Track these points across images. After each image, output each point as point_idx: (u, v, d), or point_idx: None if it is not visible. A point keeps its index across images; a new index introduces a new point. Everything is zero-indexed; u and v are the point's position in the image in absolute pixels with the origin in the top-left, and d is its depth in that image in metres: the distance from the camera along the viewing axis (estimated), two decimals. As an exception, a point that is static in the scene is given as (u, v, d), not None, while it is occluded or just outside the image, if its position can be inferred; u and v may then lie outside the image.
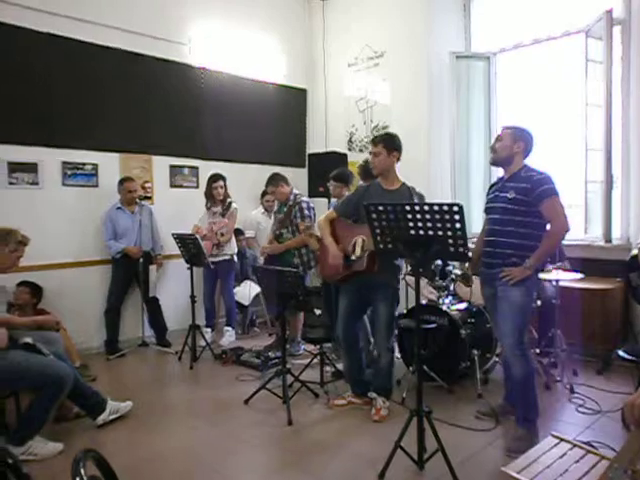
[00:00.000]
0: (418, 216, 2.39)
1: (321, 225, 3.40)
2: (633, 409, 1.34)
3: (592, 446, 2.12)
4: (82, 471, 0.97)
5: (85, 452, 1.05)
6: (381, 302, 3.23)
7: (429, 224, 2.38)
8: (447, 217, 2.32)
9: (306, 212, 4.38)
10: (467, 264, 3.40)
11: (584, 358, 4.11)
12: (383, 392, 3.35)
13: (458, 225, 2.31)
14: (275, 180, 4.49)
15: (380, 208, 2.51)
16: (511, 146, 2.86)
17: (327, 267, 3.40)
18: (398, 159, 3.24)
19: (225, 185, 4.98)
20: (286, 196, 4.50)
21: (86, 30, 4.66)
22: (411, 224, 2.43)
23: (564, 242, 4.11)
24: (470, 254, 2.81)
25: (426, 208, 2.37)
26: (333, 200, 4.54)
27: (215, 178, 4.95)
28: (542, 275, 3.44)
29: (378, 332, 3.30)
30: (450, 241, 2.37)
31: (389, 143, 3.19)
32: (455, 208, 2.29)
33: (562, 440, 2.08)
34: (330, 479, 2.55)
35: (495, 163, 3.02)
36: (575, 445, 2.04)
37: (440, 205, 2.33)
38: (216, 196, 4.94)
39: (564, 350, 3.81)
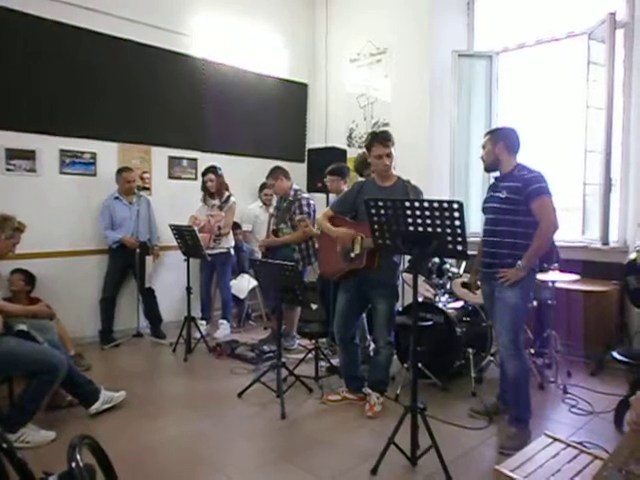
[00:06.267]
0: (417, 212, 2.40)
1: (320, 222, 3.39)
2: None
3: (584, 446, 2.13)
4: (78, 457, 0.97)
5: (81, 438, 1.05)
6: (381, 298, 3.22)
7: (428, 221, 2.38)
8: (447, 214, 2.32)
9: (305, 208, 4.35)
10: (469, 274, 3.40)
11: (578, 359, 4.13)
12: (379, 386, 3.34)
13: (458, 222, 2.32)
14: (276, 173, 4.47)
15: (380, 203, 2.51)
16: (493, 150, 2.94)
17: (327, 264, 3.41)
18: None
19: (220, 176, 4.97)
20: (285, 190, 4.48)
21: (87, 18, 4.63)
22: (410, 220, 2.43)
23: (562, 244, 4.14)
24: (470, 258, 2.82)
25: (426, 205, 2.37)
26: (332, 195, 4.52)
27: (204, 172, 5.02)
28: (539, 276, 3.45)
29: (378, 327, 3.27)
30: (449, 238, 2.37)
31: (393, 141, 3.19)
32: (455, 205, 2.30)
33: (555, 440, 2.10)
34: (322, 473, 2.55)
35: (487, 170, 3.10)
36: (568, 445, 2.05)
37: (440, 202, 2.33)
38: (209, 189, 4.97)
39: (558, 351, 3.82)
